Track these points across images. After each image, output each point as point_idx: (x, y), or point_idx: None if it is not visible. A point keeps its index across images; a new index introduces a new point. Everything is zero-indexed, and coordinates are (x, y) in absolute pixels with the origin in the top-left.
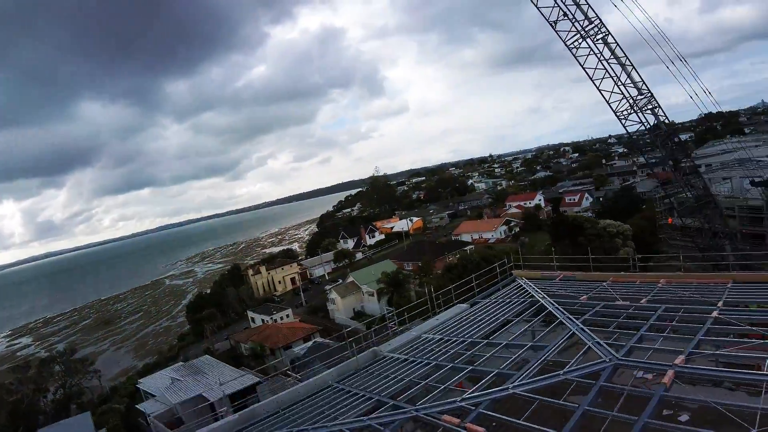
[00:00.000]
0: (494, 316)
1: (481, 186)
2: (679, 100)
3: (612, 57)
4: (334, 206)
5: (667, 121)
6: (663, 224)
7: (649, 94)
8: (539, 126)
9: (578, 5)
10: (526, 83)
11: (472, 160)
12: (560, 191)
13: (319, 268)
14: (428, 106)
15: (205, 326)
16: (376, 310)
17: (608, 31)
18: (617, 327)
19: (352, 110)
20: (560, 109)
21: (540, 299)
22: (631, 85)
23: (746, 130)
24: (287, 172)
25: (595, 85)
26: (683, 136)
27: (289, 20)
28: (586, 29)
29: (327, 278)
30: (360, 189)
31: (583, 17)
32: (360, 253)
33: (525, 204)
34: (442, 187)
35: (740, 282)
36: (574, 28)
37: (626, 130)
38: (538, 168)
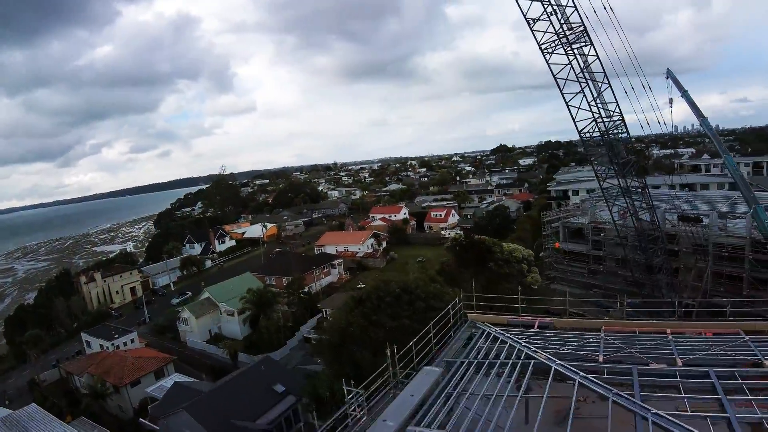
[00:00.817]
0: (495, 392)
1: (335, 194)
2: (515, 126)
3: (584, 71)
4: (172, 204)
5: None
6: (549, 248)
7: (620, 119)
8: (383, 138)
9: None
10: (375, 96)
11: (316, 166)
12: (423, 206)
13: (163, 277)
14: (276, 108)
15: (28, 352)
16: (237, 332)
17: (590, 41)
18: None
19: (197, 104)
20: (404, 124)
21: (544, 360)
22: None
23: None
24: (123, 163)
25: (564, 98)
26: (528, 161)
27: (144, 0)
28: (567, 35)
29: (173, 289)
30: (201, 187)
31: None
32: (209, 261)
33: (390, 217)
34: (293, 192)
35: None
36: (552, 30)
37: (586, 151)
38: (387, 179)
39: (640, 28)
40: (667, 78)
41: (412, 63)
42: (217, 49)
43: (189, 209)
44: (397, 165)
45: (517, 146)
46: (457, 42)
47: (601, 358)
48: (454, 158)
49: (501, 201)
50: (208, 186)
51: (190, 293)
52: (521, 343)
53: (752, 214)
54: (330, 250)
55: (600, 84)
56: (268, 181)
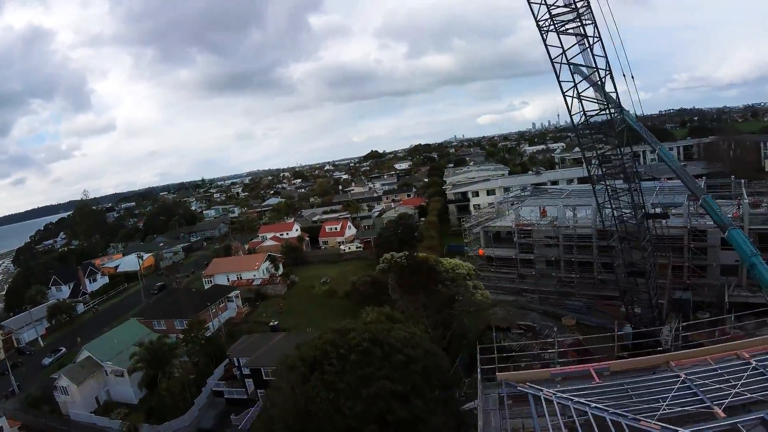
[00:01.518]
0: None
1: (211, 213)
2: (381, 132)
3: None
4: (32, 237)
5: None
6: (473, 255)
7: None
8: (250, 152)
9: None
10: (239, 108)
11: (184, 184)
12: (314, 219)
13: (28, 331)
14: (137, 125)
15: None
16: (130, 396)
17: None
18: None
19: (53, 124)
20: (271, 135)
21: None
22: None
23: (471, 162)
24: None
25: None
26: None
27: None
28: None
29: (42, 344)
30: (62, 215)
31: None
32: (81, 305)
33: (282, 235)
34: (165, 214)
35: None
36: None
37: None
38: (263, 193)
39: (497, 33)
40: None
41: (277, 74)
42: (73, 64)
43: (51, 242)
44: (270, 177)
45: (386, 151)
46: (321, 52)
47: (720, 413)
48: (327, 167)
49: (391, 208)
50: (70, 214)
51: (64, 349)
52: (608, 411)
53: (702, 204)
54: (221, 279)
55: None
56: (134, 203)
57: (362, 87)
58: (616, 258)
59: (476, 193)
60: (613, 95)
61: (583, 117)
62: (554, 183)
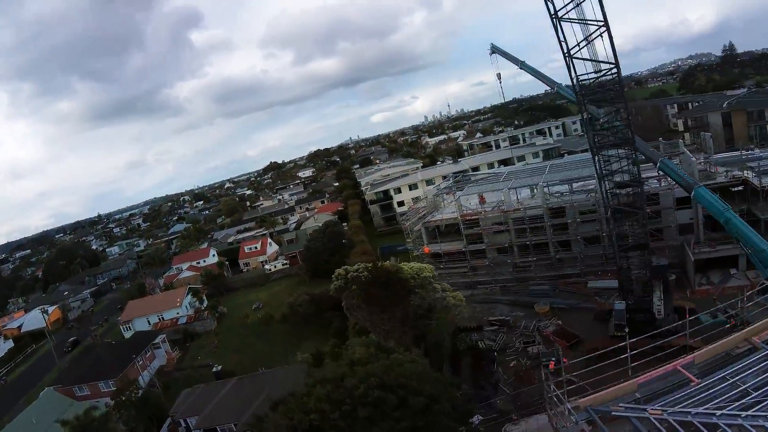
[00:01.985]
0: None
1: (114, 250)
2: (276, 143)
3: None
4: None
5: None
6: (420, 255)
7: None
8: (145, 180)
9: None
10: (128, 136)
11: (80, 223)
12: (230, 241)
13: None
14: (21, 166)
15: None
16: None
17: None
18: None
19: None
20: (163, 160)
21: None
22: None
23: (377, 160)
24: None
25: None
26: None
27: None
28: None
29: None
30: None
31: None
32: None
33: (199, 263)
34: (65, 259)
35: None
36: None
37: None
38: (165, 220)
39: (381, 32)
40: (492, 53)
41: (162, 95)
42: None
43: None
44: (170, 203)
45: (285, 161)
46: (205, 68)
47: None
48: (227, 185)
49: (307, 218)
50: None
51: None
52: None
53: (660, 168)
54: (141, 324)
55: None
56: (29, 251)
57: (251, 99)
58: (614, 232)
59: (398, 190)
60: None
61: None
62: (475, 169)
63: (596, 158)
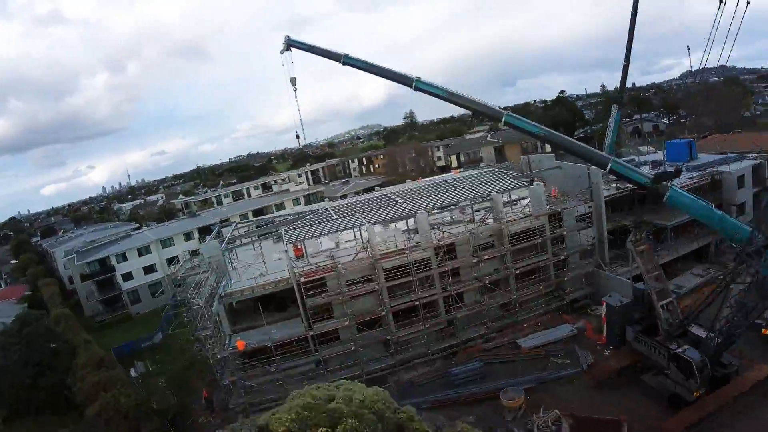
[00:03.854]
0: None
1: None
2: None
3: None
4: None
5: None
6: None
7: None
8: None
9: None
10: None
11: None
12: None
13: None
14: None
15: None
16: None
17: None
18: None
19: None
20: None
21: None
22: None
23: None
24: None
25: None
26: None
27: None
28: None
29: None
30: None
31: None
32: None
33: None
34: None
35: None
36: None
37: None
38: None
39: (58, 93)
40: (288, 50)
41: None
42: None
43: None
44: None
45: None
46: None
47: None
48: None
49: None
50: None
51: None
52: None
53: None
54: None
55: None
56: None
57: None
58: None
59: (124, 257)
60: None
61: None
62: (225, 221)
63: None
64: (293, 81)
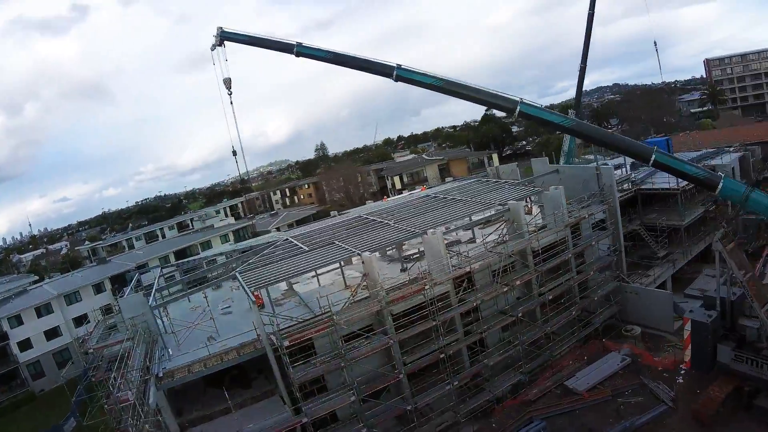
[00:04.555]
0: None
1: None
2: None
3: None
4: None
5: None
6: None
7: None
8: None
9: None
10: None
11: None
12: None
13: None
14: None
15: None
16: None
17: None
18: None
19: None
20: None
21: None
22: None
23: None
24: None
25: None
26: None
27: None
28: None
29: None
30: None
31: None
32: None
33: None
34: None
35: None
36: None
37: None
38: None
39: None
40: (220, 45)
41: None
42: None
43: None
44: None
45: None
46: None
47: None
48: None
49: None
50: None
51: None
52: None
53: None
54: None
55: None
56: None
57: None
58: None
59: (19, 320)
60: None
61: None
62: (142, 266)
63: None
64: (227, 82)
